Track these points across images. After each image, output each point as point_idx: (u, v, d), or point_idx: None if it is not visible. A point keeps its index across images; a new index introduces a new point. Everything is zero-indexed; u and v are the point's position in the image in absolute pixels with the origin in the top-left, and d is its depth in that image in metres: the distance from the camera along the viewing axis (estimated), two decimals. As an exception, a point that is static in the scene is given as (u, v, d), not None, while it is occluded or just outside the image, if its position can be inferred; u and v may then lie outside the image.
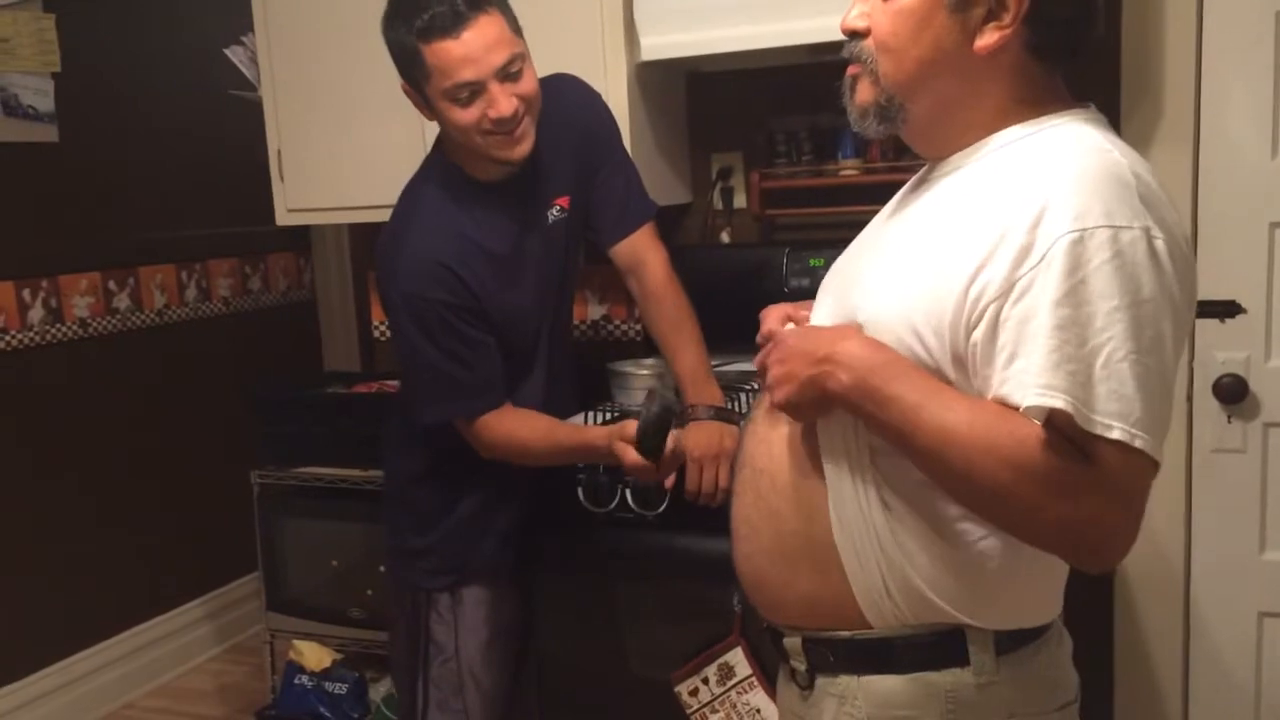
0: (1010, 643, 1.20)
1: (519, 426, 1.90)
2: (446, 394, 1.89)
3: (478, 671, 2.06)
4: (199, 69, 3.42)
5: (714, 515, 1.92)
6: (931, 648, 1.19)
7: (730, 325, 2.54)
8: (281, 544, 2.92)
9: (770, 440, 1.29)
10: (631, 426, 1.78)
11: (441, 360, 1.86)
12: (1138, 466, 1.04)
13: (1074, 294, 1.02)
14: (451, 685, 2.06)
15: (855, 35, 1.20)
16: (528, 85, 1.80)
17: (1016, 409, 1.05)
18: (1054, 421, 1.04)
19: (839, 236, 2.51)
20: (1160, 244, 1.04)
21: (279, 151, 2.72)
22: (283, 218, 2.77)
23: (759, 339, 1.37)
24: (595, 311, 2.86)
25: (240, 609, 3.70)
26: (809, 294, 2.64)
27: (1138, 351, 1.02)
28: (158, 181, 3.46)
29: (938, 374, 1.12)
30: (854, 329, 1.18)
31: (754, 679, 1.93)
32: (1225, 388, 2.25)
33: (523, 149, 1.82)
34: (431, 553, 2.07)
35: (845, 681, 1.23)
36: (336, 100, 2.60)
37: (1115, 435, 1.02)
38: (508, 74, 1.75)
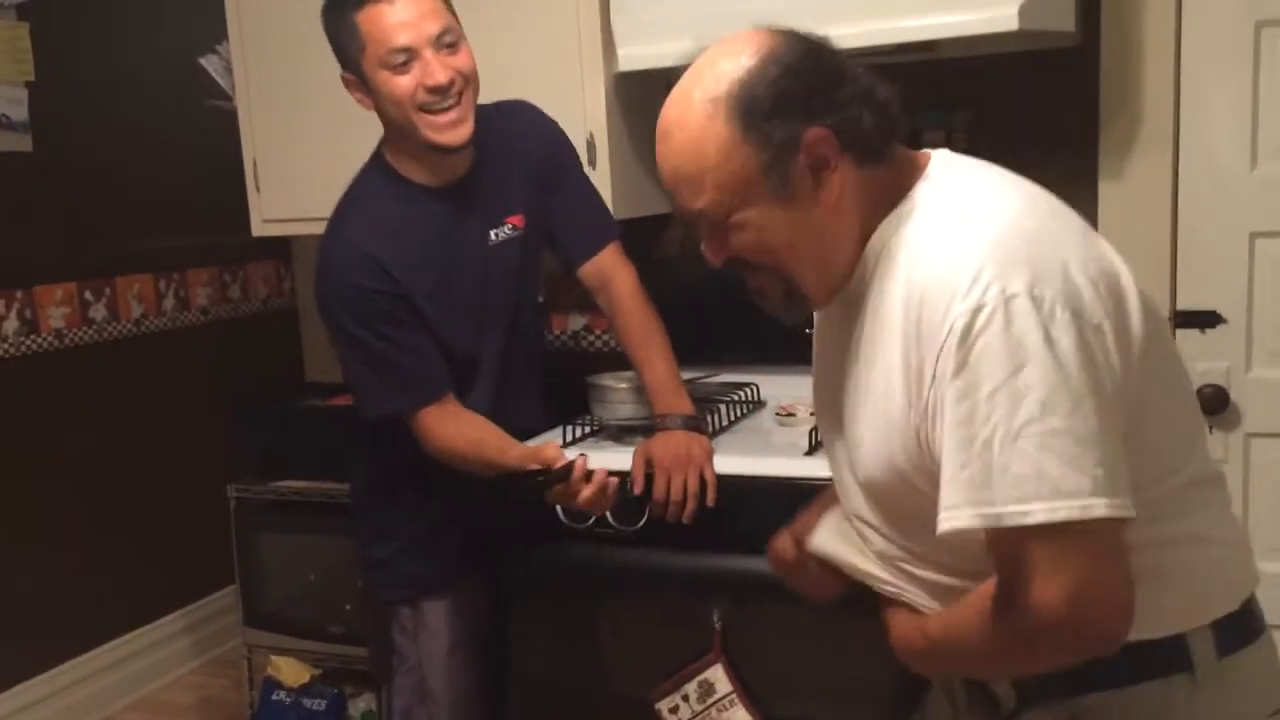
0: (1231, 643, 1.16)
1: (456, 433, 1.89)
2: (385, 385, 1.89)
3: (439, 681, 2.05)
4: (175, 78, 3.39)
5: (694, 531, 1.92)
6: (1153, 656, 1.15)
7: (710, 337, 2.54)
8: (259, 558, 2.90)
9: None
10: (547, 448, 1.81)
11: (378, 349, 1.86)
12: (1073, 540, 0.99)
13: (958, 397, 1.02)
14: (415, 694, 2.06)
15: (726, 265, 1.21)
16: (464, 60, 1.82)
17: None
18: (989, 540, 1.04)
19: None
20: (1020, 301, 1.00)
21: (254, 161, 2.70)
22: (259, 228, 2.75)
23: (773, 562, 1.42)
24: (576, 322, 2.84)
25: (219, 622, 3.66)
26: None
27: (1025, 423, 0.98)
28: (134, 190, 3.42)
29: None
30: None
31: (735, 696, 1.92)
32: (1206, 398, 2.25)
33: (459, 133, 1.82)
34: (390, 565, 2.07)
35: (1063, 705, 1.19)
36: (312, 109, 2.58)
37: (1034, 519, 0.99)
38: (443, 44, 1.78)
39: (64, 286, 3.22)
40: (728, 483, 1.91)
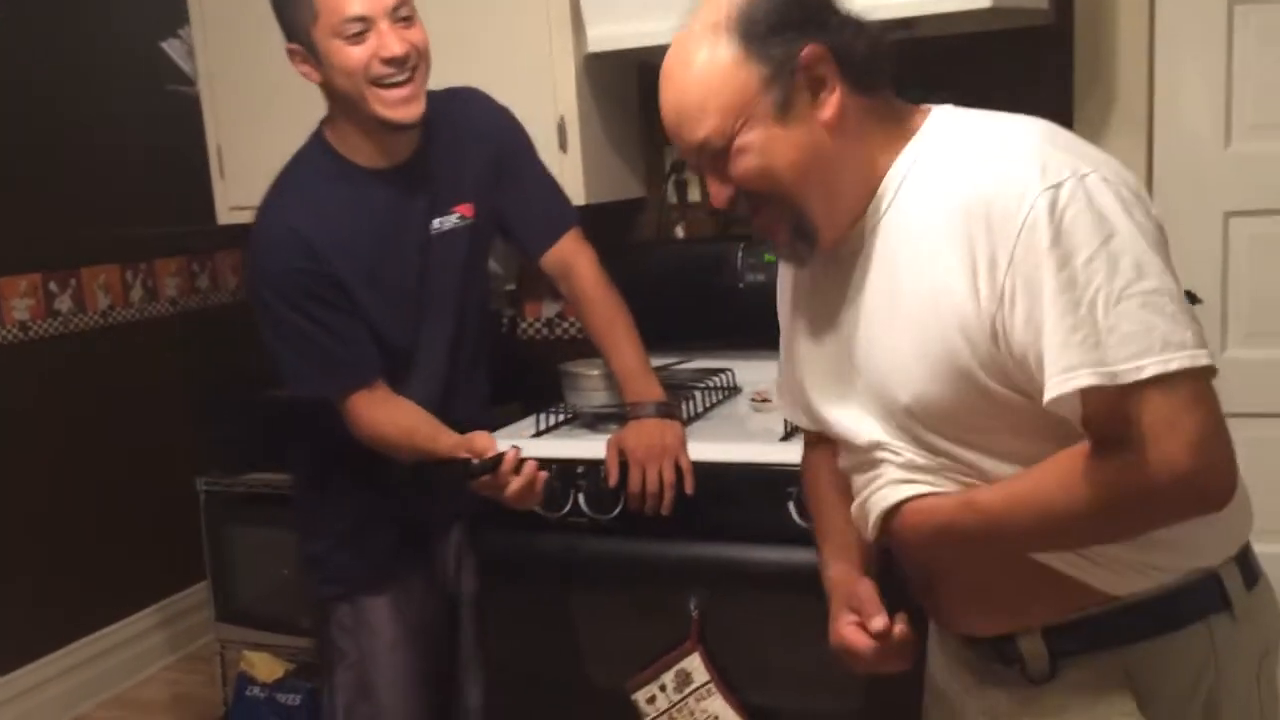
0: (1251, 576, 1.20)
1: (387, 420, 1.85)
2: (314, 368, 1.85)
3: (382, 678, 1.99)
4: (138, 63, 3.33)
5: (670, 519, 1.89)
6: (1192, 597, 1.17)
7: (684, 322, 2.52)
8: (230, 553, 2.86)
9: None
10: (479, 437, 1.77)
11: (307, 331, 1.82)
12: (1187, 391, 1.03)
13: (1056, 268, 1.04)
14: (357, 691, 2.00)
15: (732, 205, 1.21)
16: (420, 36, 1.79)
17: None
18: (1092, 404, 1.05)
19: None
20: (1093, 179, 1.06)
21: (219, 148, 2.65)
22: (224, 216, 2.70)
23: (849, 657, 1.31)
24: (550, 309, 2.81)
25: (192, 617, 3.62)
26: (764, 289, 2.59)
27: (1126, 285, 1.03)
28: (99, 179, 3.37)
29: (1021, 398, 1.10)
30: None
31: (712, 685, 1.90)
32: (1182, 378, 2.24)
33: (411, 110, 1.78)
34: (325, 562, 2.01)
35: (1101, 660, 1.19)
36: (277, 94, 2.52)
37: (1149, 372, 1.01)
38: (399, 16, 1.75)
39: (28, 278, 3.17)
40: (703, 470, 1.89)
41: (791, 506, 1.84)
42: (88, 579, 3.33)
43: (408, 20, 1.77)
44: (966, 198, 1.10)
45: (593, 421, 2.13)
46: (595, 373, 2.09)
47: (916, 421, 1.18)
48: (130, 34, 3.36)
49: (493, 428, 2.07)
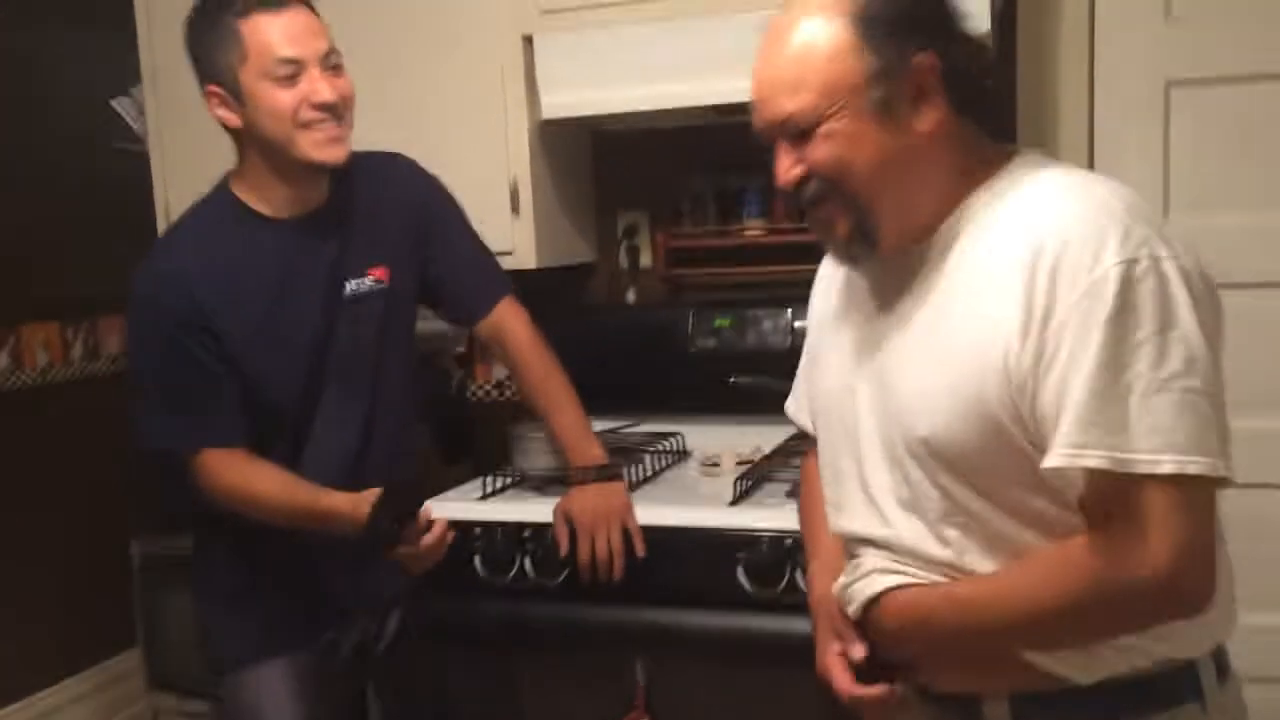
0: (1223, 671, 1.19)
1: (254, 477, 1.76)
2: (170, 418, 1.77)
3: None
4: (84, 120, 3.30)
5: (616, 583, 1.87)
6: (1165, 685, 1.16)
7: (636, 385, 2.52)
8: (164, 618, 2.78)
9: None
10: (373, 495, 1.71)
11: (168, 378, 1.76)
12: (1190, 495, 1.03)
13: (1105, 342, 1.02)
14: None
15: (800, 184, 1.19)
16: (348, 85, 1.77)
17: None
18: (1094, 487, 1.05)
19: (745, 296, 2.48)
20: (1170, 263, 1.05)
21: (167, 205, 2.63)
22: (172, 274, 2.66)
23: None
24: (499, 372, 2.80)
25: (128, 683, 3.51)
26: (715, 355, 2.60)
27: (1169, 378, 1.02)
28: (40, 236, 3.31)
29: (1039, 449, 1.08)
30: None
31: (659, 753, 1.87)
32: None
33: (338, 152, 1.75)
34: (213, 628, 1.93)
35: None
36: (228, 152, 2.51)
37: (1165, 469, 1.01)
38: (330, 64, 1.74)
39: (-36, 335, 3.10)
40: (651, 534, 1.88)
41: (740, 572, 1.83)
42: (22, 645, 3.21)
43: (337, 69, 1.75)
44: (1040, 243, 1.07)
45: (540, 484, 2.11)
46: (543, 435, 2.07)
47: (934, 458, 1.15)
48: (79, 91, 3.33)
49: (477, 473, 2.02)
